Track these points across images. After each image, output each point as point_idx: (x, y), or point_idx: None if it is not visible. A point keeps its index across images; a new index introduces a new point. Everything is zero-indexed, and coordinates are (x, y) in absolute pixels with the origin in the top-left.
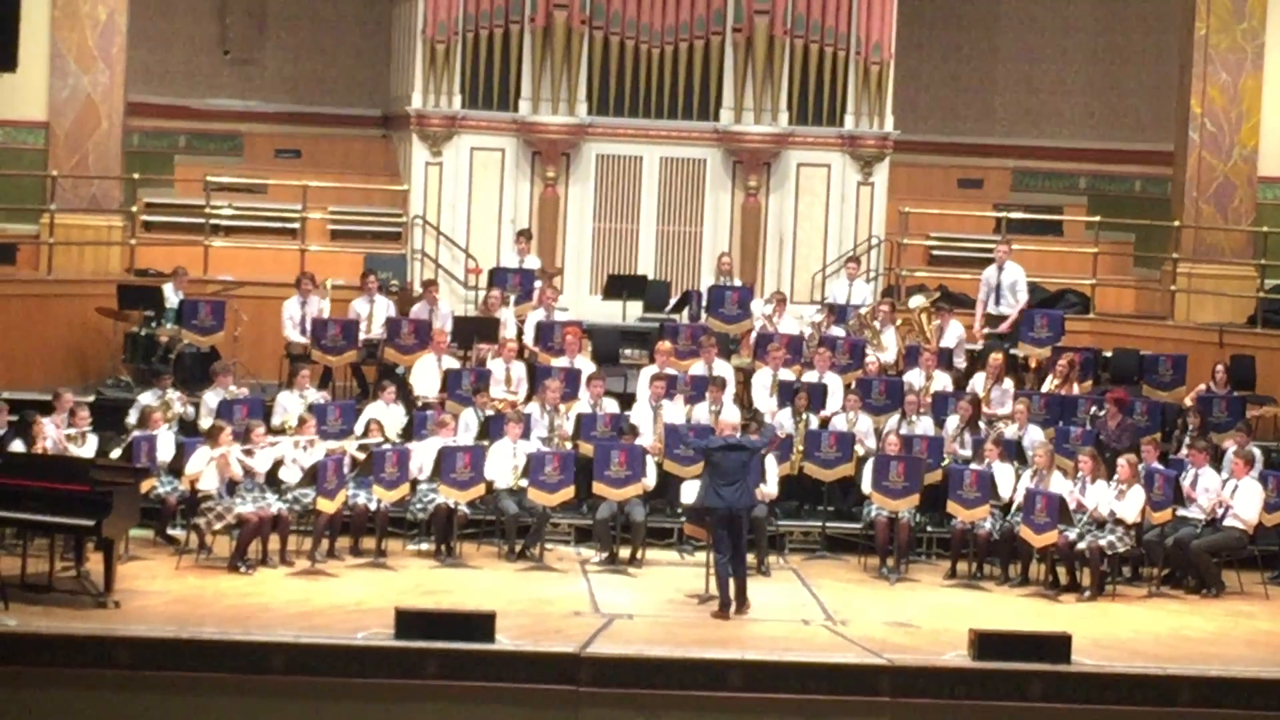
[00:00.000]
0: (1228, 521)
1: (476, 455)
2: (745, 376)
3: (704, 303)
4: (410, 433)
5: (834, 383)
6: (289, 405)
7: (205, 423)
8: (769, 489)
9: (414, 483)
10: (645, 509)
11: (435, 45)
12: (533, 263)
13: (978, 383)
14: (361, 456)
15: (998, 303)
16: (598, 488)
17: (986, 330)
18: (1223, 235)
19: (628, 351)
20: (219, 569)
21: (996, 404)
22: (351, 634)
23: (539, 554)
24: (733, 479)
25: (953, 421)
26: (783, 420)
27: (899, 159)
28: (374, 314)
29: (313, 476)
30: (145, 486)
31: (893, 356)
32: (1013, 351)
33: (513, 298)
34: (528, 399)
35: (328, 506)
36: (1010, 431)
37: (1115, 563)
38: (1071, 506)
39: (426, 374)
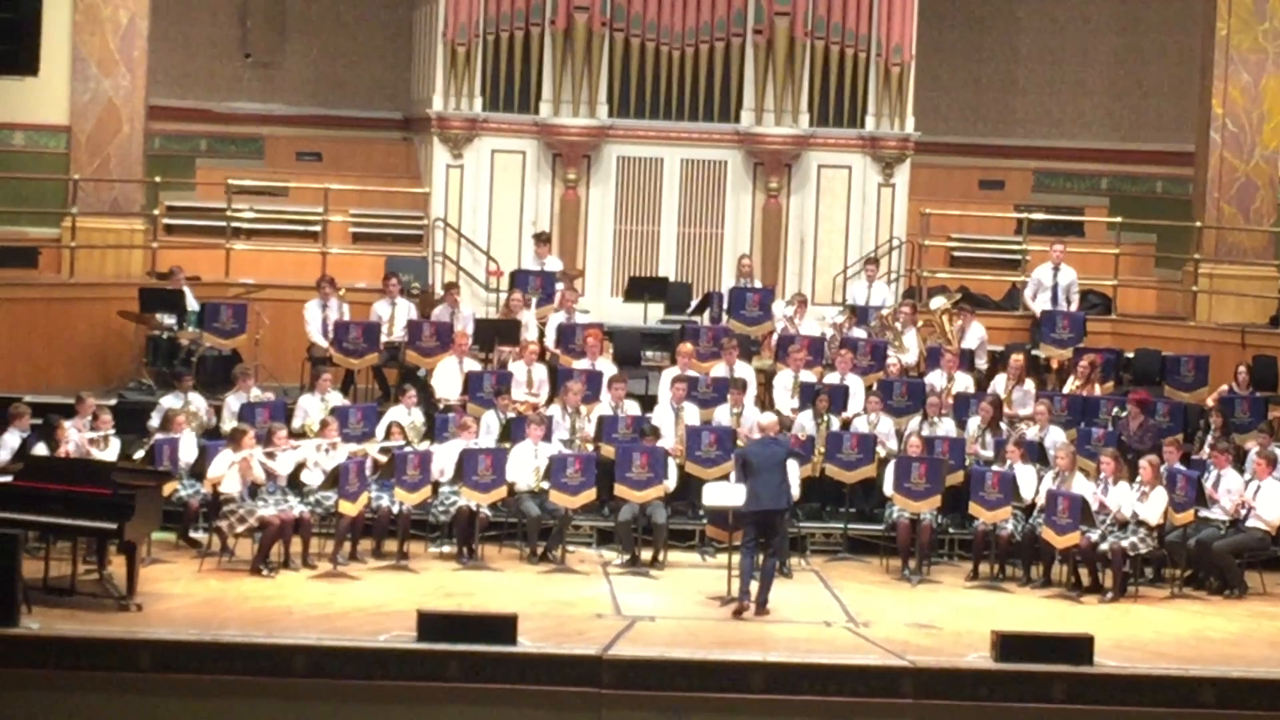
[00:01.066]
0: (1250, 522)
1: (498, 457)
2: (766, 378)
3: (725, 304)
4: (432, 435)
5: (855, 384)
6: (310, 408)
7: (228, 426)
8: (791, 491)
9: (436, 485)
10: (667, 511)
11: (456, 48)
12: (554, 265)
13: (999, 384)
14: (383, 459)
15: (1054, 302)
16: (619, 490)
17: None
18: (1244, 235)
19: (649, 353)
20: (241, 572)
21: (1018, 405)
22: (373, 636)
23: (561, 556)
24: (767, 478)
25: (974, 423)
26: (804, 422)
27: (920, 160)
28: (395, 316)
29: (334, 479)
30: (167, 489)
31: (914, 358)
32: (1034, 353)
33: (534, 300)
34: (549, 401)
35: (350, 509)
36: (1032, 433)
37: (1137, 564)
38: (1094, 508)
39: (448, 376)
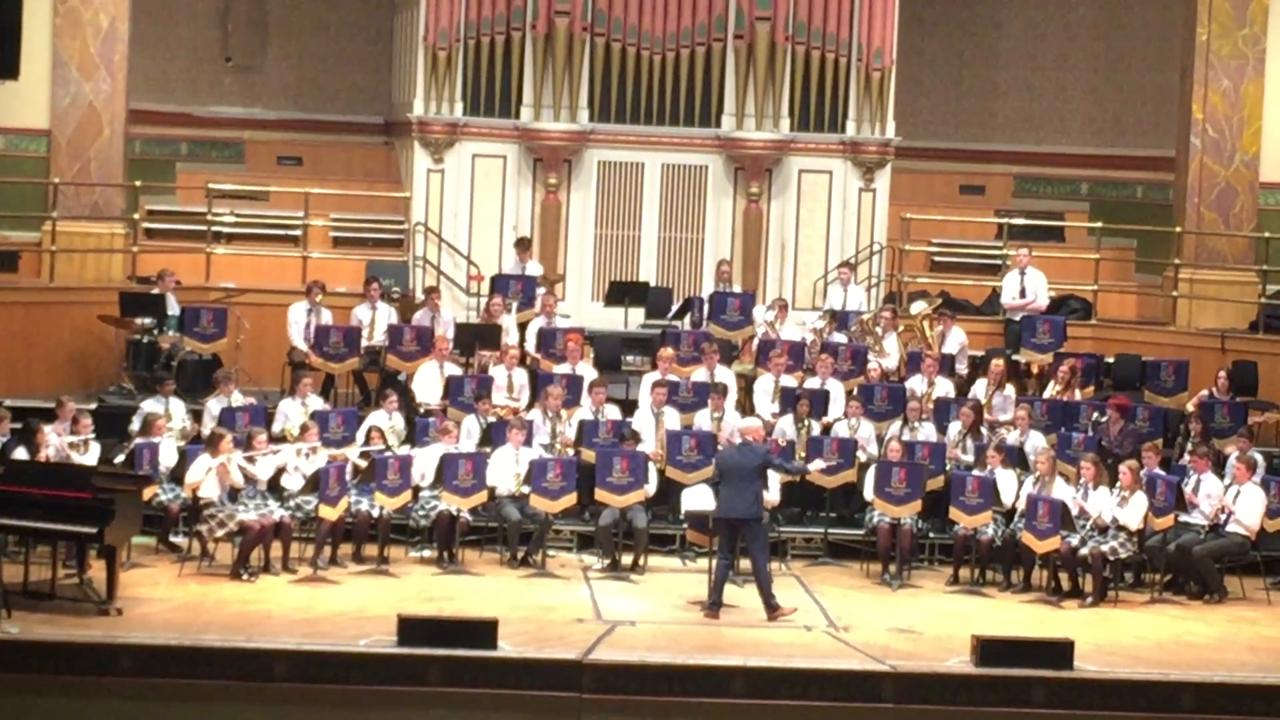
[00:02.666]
0: (1230, 527)
1: (478, 462)
2: (747, 383)
3: (706, 309)
4: (412, 440)
5: (836, 389)
6: (291, 412)
7: (208, 430)
8: (771, 496)
9: (416, 490)
10: (647, 515)
11: (437, 52)
12: (535, 269)
13: (979, 389)
14: (363, 464)
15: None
16: (600, 494)
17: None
18: (1224, 241)
19: (630, 358)
20: (221, 576)
21: (998, 410)
22: (354, 641)
23: (541, 561)
24: (737, 485)
25: (955, 427)
26: (784, 427)
27: (901, 165)
28: (376, 321)
29: (315, 484)
30: (147, 494)
31: (895, 363)
32: (1014, 357)
33: (515, 304)
34: (530, 406)
35: (330, 513)
36: (1012, 437)
37: (1117, 569)
38: (1074, 512)
39: (428, 381)
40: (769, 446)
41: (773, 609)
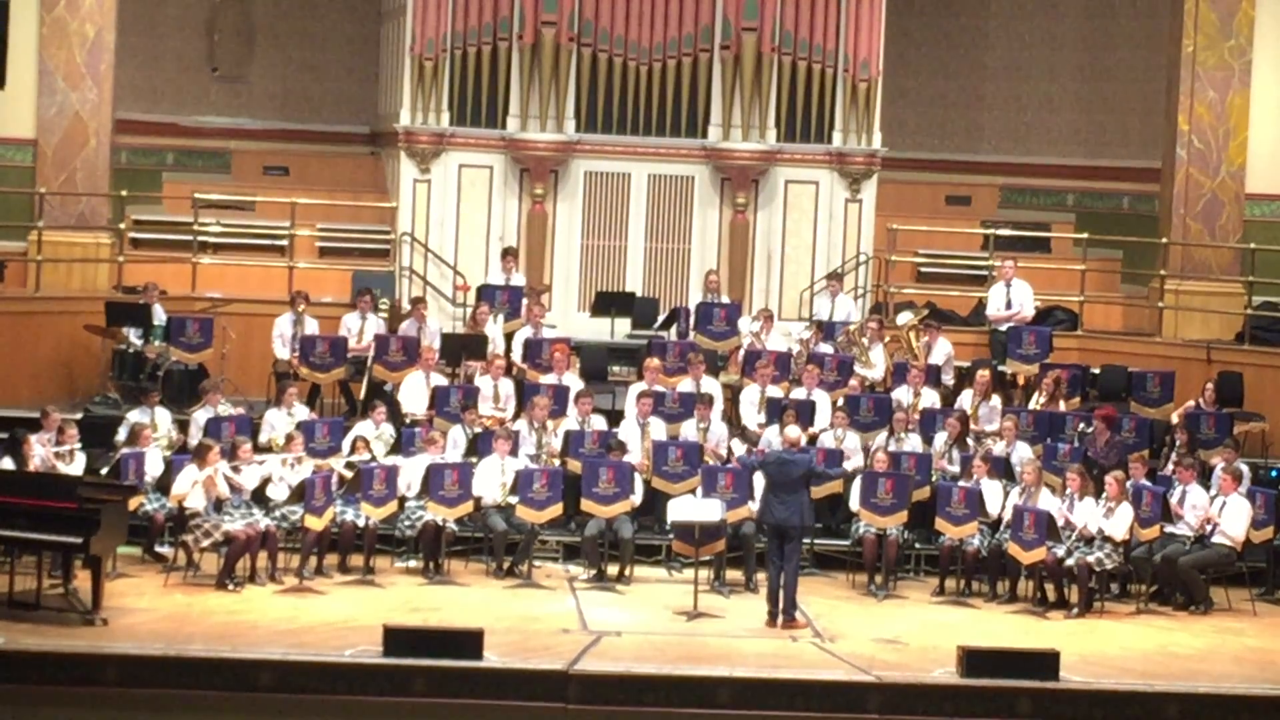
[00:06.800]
0: (1215, 538)
1: (464, 472)
2: (733, 393)
3: (692, 320)
4: (398, 449)
5: (822, 400)
6: (276, 423)
7: (195, 440)
8: (756, 506)
9: (402, 500)
10: (633, 526)
11: (424, 62)
12: (520, 280)
13: (966, 399)
14: (349, 474)
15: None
16: (586, 505)
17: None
18: (1210, 252)
19: (616, 368)
20: (207, 586)
21: (984, 421)
22: (340, 651)
23: (527, 571)
24: (784, 494)
25: (941, 438)
26: (770, 438)
27: (887, 176)
28: (365, 330)
29: (300, 494)
30: (133, 504)
31: (881, 373)
32: (1000, 368)
33: (501, 315)
34: (516, 416)
35: (316, 524)
36: (998, 448)
37: (1103, 580)
38: (1059, 523)
39: (415, 391)
40: (811, 456)
41: (790, 618)
